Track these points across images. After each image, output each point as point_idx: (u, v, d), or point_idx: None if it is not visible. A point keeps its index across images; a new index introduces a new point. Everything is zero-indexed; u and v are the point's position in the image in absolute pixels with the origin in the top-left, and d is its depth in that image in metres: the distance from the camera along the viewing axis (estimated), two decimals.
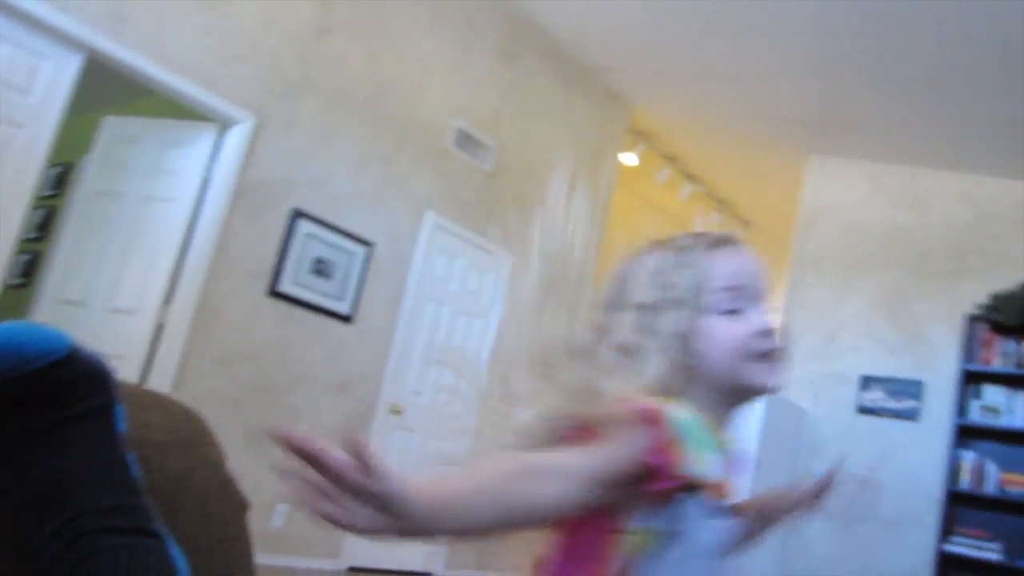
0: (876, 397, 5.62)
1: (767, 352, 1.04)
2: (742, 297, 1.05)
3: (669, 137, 6.72)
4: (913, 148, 5.88)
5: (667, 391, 1.03)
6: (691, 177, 7.38)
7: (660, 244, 1.12)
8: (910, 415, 5.49)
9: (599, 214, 6.11)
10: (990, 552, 4.84)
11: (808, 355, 5.91)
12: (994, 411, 5.08)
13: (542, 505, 0.86)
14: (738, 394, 1.06)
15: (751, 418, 5.27)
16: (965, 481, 5.05)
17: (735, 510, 1.09)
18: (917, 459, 5.36)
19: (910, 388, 5.53)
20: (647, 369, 1.04)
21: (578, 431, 0.97)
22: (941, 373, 5.45)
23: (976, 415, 5.15)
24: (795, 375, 5.84)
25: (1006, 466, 5.00)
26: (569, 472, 0.88)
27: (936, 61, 4.55)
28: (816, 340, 5.94)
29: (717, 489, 1.00)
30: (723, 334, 1.04)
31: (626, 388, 1.01)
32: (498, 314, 5.41)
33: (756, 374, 1.03)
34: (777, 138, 6.29)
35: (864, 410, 5.65)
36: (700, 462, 0.97)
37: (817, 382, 5.84)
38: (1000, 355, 5.19)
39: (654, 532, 0.97)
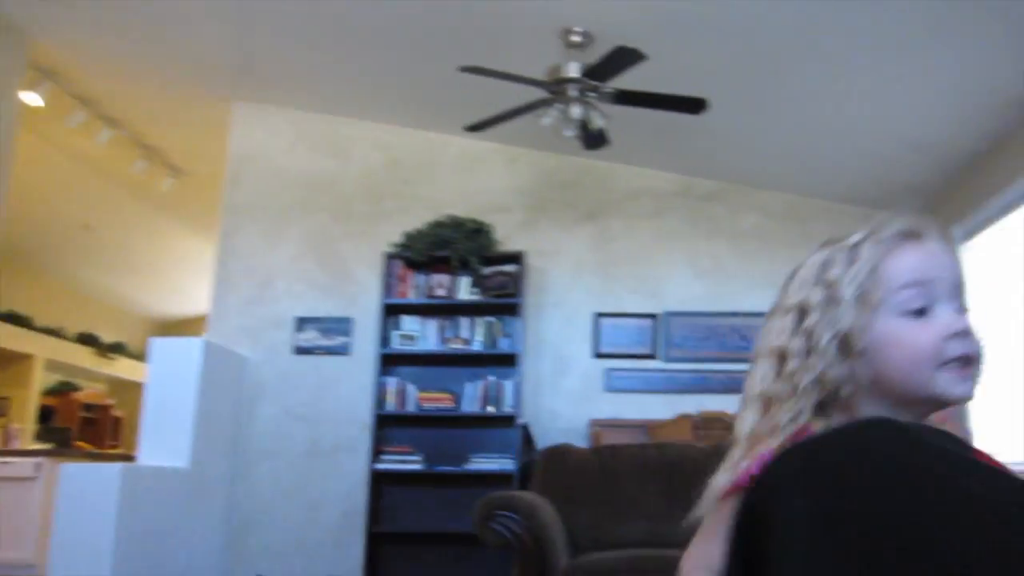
0: (311, 337, 5.92)
1: (960, 357, 0.90)
2: (928, 294, 0.92)
3: (82, 76, 6.09)
4: (333, 98, 6.13)
5: (828, 408, 0.93)
6: (111, 121, 6.78)
7: (832, 240, 0.98)
8: (342, 350, 5.89)
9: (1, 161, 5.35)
10: (414, 464, 5.47)
11: (245, 301, 5.98)
12: (410, 338, 5.69)
13: None
14: (926, 404, 0.93)
15: (190, 370, 5.20)
16: (391, 404, 5.59)
17: None
18: (350, 391, 5.80)
19: (341, 325, 5.92)
20: (801, 384, 0.93)
21: None
22: (366, 309, 5.92)
23: (396, 343, 5.71)
24: (233, 323, 5.89)
25: (422, 386, 5.65)
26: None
27: (352, 15, 4.79)
28: (251, 286, 6.02)
29: None
30: (907, 338, 0.90)
31: (773, 418, 0.93)
32: None
33: (949, 383, 0.90)
34: (202, 83, 6.09)
35: (300, 350, 5.91)
36: None
37: (255, 327, 5.94)
38: (413, 288, 5.81)
39: None
